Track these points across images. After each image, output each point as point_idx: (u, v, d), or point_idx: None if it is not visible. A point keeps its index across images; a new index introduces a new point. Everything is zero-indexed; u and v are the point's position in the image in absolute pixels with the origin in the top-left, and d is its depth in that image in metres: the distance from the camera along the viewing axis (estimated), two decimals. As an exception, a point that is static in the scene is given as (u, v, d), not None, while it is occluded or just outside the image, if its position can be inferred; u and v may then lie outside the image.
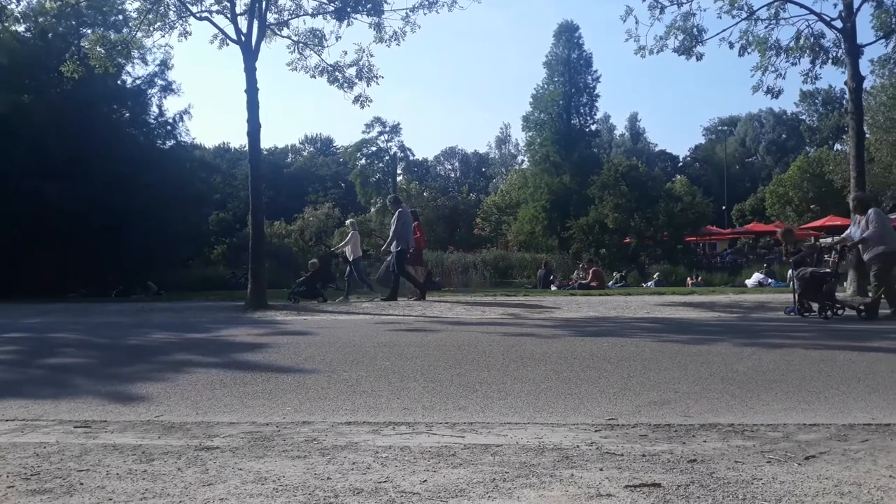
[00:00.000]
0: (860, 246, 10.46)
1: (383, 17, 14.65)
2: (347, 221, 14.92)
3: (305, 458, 3.26)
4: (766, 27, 15.18)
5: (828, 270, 10.39)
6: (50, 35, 21.93)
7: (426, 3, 14.43)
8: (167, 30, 14.80)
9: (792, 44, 15.18)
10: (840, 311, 10.10)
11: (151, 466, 3.14)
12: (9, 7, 21.09)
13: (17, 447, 3.52)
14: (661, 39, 15.39)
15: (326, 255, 15.28)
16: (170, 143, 25.49)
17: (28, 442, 3.65)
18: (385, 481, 2.87)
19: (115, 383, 5.52)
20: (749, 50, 15.37)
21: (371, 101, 15.75)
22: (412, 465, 3.10)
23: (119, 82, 23.11)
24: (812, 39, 15.06)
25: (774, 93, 15.76)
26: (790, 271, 11.36)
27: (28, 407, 4.65)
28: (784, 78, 15.53)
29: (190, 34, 14.93)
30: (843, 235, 11.43)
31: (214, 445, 3.52)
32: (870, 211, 10.37)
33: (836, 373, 5.51)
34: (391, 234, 14.19)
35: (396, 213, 14.29)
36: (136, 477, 2.98)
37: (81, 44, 20.65)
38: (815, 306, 10.28)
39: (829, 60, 15.15)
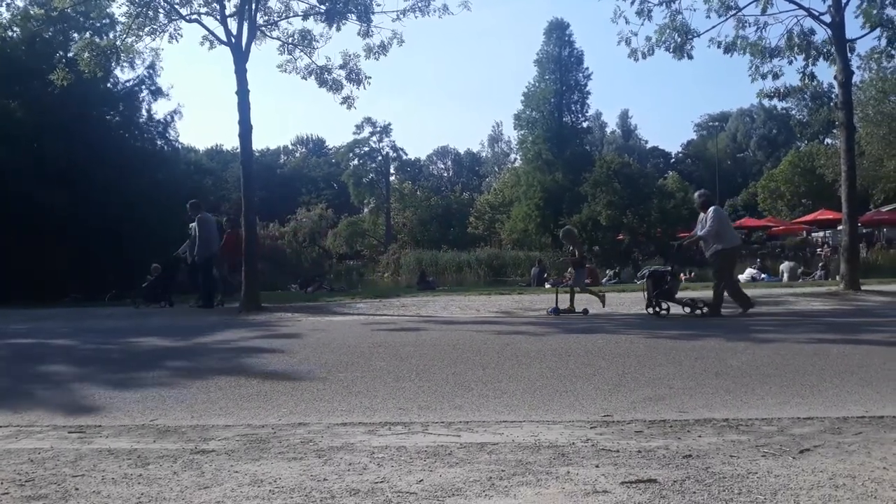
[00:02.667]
0: (701, 243, 10.53)
1: (372, 23, 14.58)
2: (192, 225, 14.58)
3: (301, 459, 3.25)
4: (755, 30, 15.19)
5: (668, 269, 10.50)
6: (38, 40, 21.80)
7: (417, 7, 14.39)
8: (157, 34, 14.72)
9: (783, 43, 15.18)
10: (695, 311, 10.10)
11: (147, 471, 3.13)
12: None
13: (12, 453, 3.51)
14: (650, 40, 15.38)
15: (173, 260, 14.82)
16: (161, 143, 25.38)
17: (22, 448, 3.63)
18: (381, 481, 2.87)
19: (110, 388, 5.49)
20: (738, 51, 15.37)
21: (356, 97, 15.67)
22: (408, 465, 3.10)
23: (109, 86, 22.98)
24: (802, 37, 15.07)
25: (780, 94, 15.73)
26: (569, 271, 11.55)
27: (22, 413, 4.63)
28: (782, 75, 15.53)
29: (181, 36, 14.85)
30: (692, 233, 11.48)
31: (210, 448, 3.51)
32: (710, 209, 10.43)
33: (830, 366, 5.54)
34: (197, 241, 13.75)
35: (197, 220, 13.84)
36: (131, 481, 2.97)
37: (69, 48, 20.55)
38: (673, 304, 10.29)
39: (821, 56, 15.16)
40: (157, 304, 14.88)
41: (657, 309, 10.11)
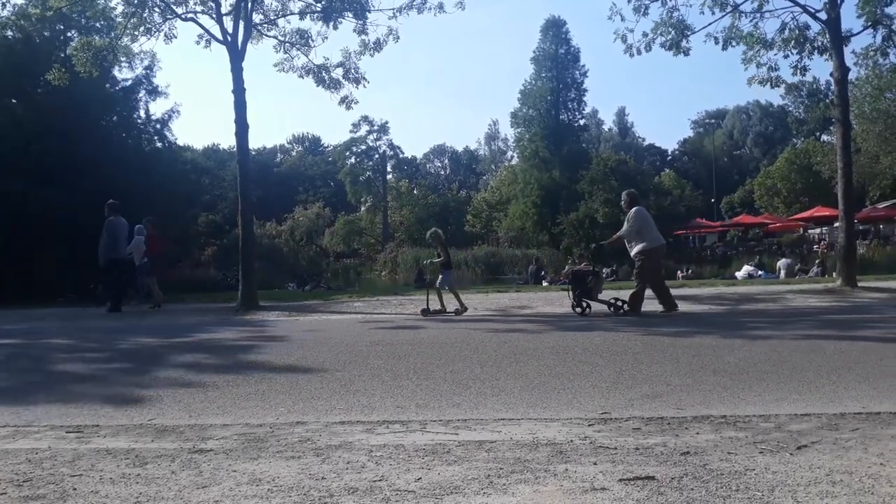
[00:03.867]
0: (626, 243, 10.57)
1: (368, 21, 14.58)
2: (136, 227, 14.31)
3: (300, 458, 3.25)
4: (750, 20, 15.22)
5: (590, 268, 10.56)
6: (37, 40, 21.76)
7: (413, 5, 14.39)
8: (153, 33, 14.70)
9: (777, 36, 15.22)
10: (618, 310, 10.13)
11: (145, 470, 3.13)
12: None
13: (9, 453, 3.50)
14: (647, 36, 15.40)
15: (118, 261, 14.49)
16: (158, 142, 25.37)
17: (20, 448, 3.63)
18: (380, 480, 2.87)
19: (107, 387, 5.49)
20: (733, 44, 15.39)
21: (356, 101, 15.74)
22: (407, 464, 3.10)
23: (106, 85, 22.93)
24: (797, 31, 15.11)
25: (773, 82, 15.72)
26: (441, 274, 11.47)
27: (19, 413, 4.62)
28: (778, 69, 15.57)
29: (175, 37, 14.84)
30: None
31: (208, 448, 3.51)
32: (632, 209, 10.46)
33: (827, 363, 5.55)
34: (101, 243, 13.45)
35: (105, 222, 13.47)
36: (129, 481, 2.96)
37: (67, 48, 20.51)
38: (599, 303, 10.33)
39: (816, 51, 15.19)
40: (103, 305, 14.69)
41: (579, 308, 10.19)
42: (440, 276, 11.44)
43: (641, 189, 36.89)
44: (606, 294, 10.62)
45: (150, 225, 14.66)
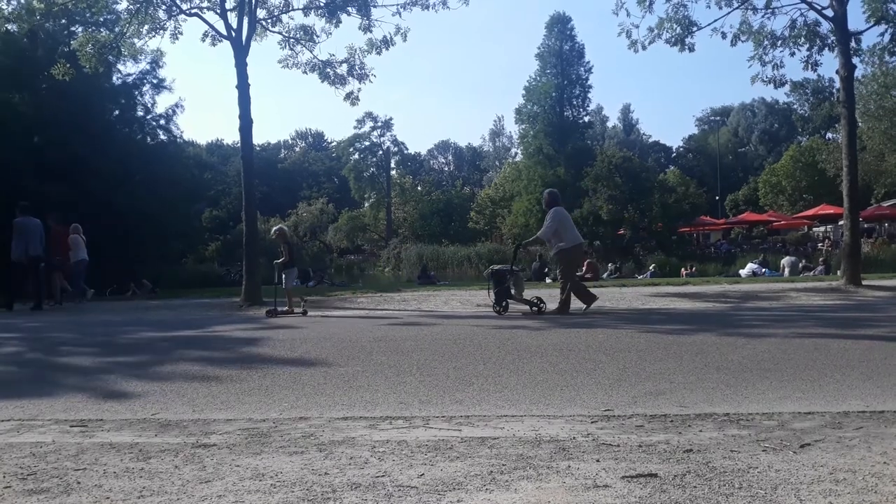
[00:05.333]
0: (546, 242, 10.62)
1: (372, 17, 14.56)
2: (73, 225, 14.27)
3: (303, 453, 3.26)
4: (760, 16, 15.19)
5: (509, 268, 10.54)
6: (41, 34, 21.79)
7: (417, 1, 14.37)
8: (158, 30, 14.70)
9: (786, 33, 15.18)
10: (534, 308, 10.09)
11: (148, 464, 3.14)
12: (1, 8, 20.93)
13: (14, 447, 3.51)
14: (652, 32, 15.36)
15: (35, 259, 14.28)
16: (162, 137, 25.42)
17: (24, 442, 3.64)
18: (383, 475, 2.87)
19: (111, 382, 5.50)
20: (742, 39, 15.36)
21: (359, 100, 15.75)
22: (409, 459, 3.11)
23: (110, 79, 22.97)
24: (807, 29, 15.07)
25: (777, 82, 15.71)
26: (285, 274, 11.49)
27: (23, 407, 4.64)
28: (783, 66, 15.54)
29: (182, 34, 14.84)
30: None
31: (211, 442, 3.52)
32: (551, 209, 10.51)
33: (831, 361, 5.53)
34: (13, 244, 13.35)
35: (13, 222, 13.41)
36: (133, 475, 2.97)
37: (71, 43, 20.55)
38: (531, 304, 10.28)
39: (826, 47, 15.15)
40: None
41: (499, 307, 10.20)
42: (285, 277, 11.46)
43: (646, 186, 36.93)
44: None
45: (55, 222, 14.57)
